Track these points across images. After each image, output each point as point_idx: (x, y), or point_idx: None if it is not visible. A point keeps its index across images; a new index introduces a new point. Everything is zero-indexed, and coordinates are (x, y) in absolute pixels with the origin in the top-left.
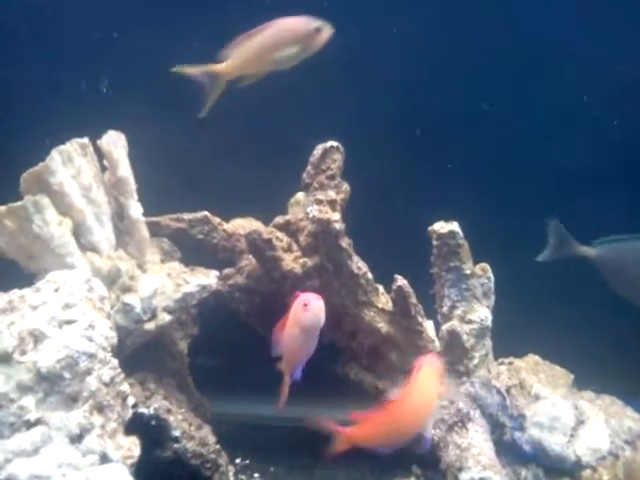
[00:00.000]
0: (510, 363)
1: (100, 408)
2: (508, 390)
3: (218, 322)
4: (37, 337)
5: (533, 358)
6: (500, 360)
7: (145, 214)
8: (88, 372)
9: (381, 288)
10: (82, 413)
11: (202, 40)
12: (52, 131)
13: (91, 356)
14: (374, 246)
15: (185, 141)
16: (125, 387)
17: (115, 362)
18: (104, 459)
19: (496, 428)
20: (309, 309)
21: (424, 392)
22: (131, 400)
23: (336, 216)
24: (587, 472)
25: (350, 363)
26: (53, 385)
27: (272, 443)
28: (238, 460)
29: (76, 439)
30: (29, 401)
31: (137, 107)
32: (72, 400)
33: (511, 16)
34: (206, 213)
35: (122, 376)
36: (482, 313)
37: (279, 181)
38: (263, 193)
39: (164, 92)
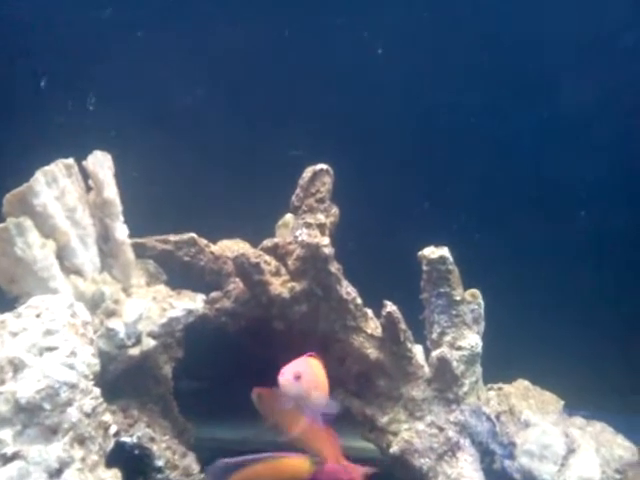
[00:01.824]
0: (499, 388)
1: (81, 440)
2: (498, 416)
3: (203, 344)
4: (17, 366)
5: (523, 383)
6: (489, 385)
7: (131, 235)
8: (69, 403)
9: (370, 312)
10: (62, 446)
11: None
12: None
13: (72, 386)
14: (363, 270)
15: (170, 161)
16: (107, 417)
17: (97, 391)
18: None
19: (486, 456)
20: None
21: None
22: (113, 428)
23: (325, 240)
24: None
25: (338, 389)
26: (32, 417)
27: None
28: None
29: (55, 474)
30: (6, 434)
31: (121, 125)
32: (52, 432)
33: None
34: (193, 235)
35: (104, 406)
36: (472, 340)
37: (266, 200)
38: (249, 213)
39: (149, 110)
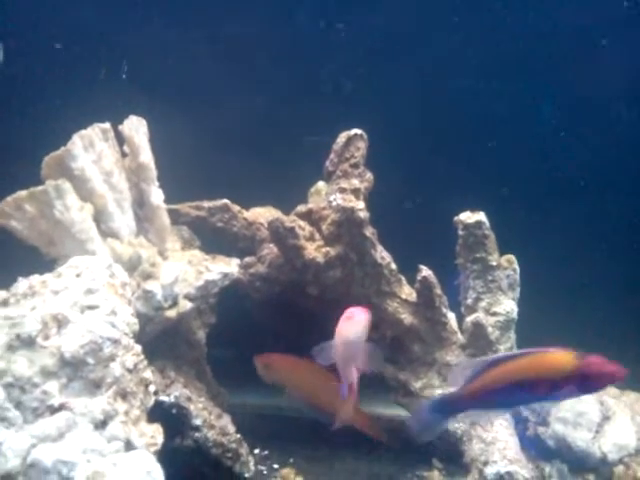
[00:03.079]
0: None
1: (124, 395)
2: None
3: (237, 311)
4: (60, 322)
5: None
6: None
7: (165, 201)
8: (112, 358)
9: (404, 279)
10: (106, 399)
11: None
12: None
13: (115, 342)
14: (397, 236)
15: (203, 131)
16: (148, 374)
17: (138, 348)
18: (128, 446)
19: (519, 423)
20: (351, 322)
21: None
22: (152, 388)
23: (360, 204)
24: (620, 468)
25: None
26: (77, 370)
27: (290, 434)
28: (257, 451)
29: (100, 425)
30: (52, 386)
31: (156, 98)
32: (96, 386)
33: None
34: (226, 201)
35: (145, 363)
36: (507, 305)
37: (295, 171)
38: (279, 183)
39: (185, 83)
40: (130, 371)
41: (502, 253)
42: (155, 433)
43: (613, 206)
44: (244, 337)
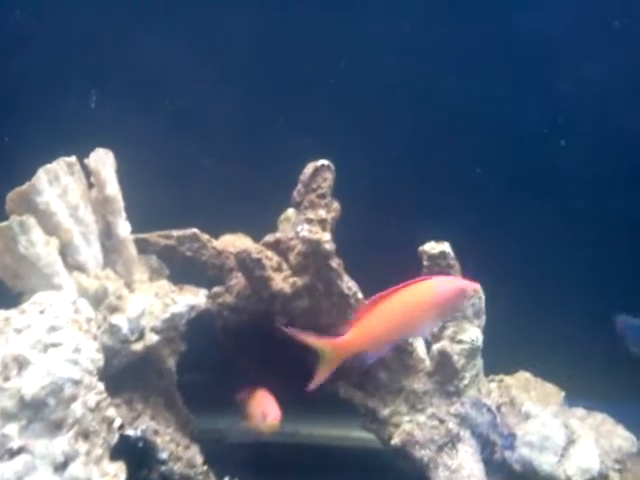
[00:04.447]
0: (501, 380)
1: (85, 434)
2: (499, 408)
3: (209, 336)
4: (21, 363)
5: (524, 375)
6: (491, 377)
7: (134, 231)
8: (73, 398)
9: None
10: (67, 440)
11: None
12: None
13: (76, 382)
14: (366, 264)
15: (172, 156)
16: (111, 412)
17: (101, 386)
18: None
19: (486, 446)
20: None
21: (415, 296)
22: (118, 422)
23: (326, 236)
24: None
25: (340, 381)
26: (37, 412)
27: (262, 460)
28: (226, 479)
29: (60, 467)
30: (12, 429)
31: (122, 122)
32: (56, 427)
33: None
34: (195, 230)
35: (108, 400)
36: (473, 333)
37: (269, 193)
38: (252, 205)
39: (151, 105)
40: (92, 410)
41: (477, 274)
42: (118, 471)
43: (584, 216)
44: (216, 362)
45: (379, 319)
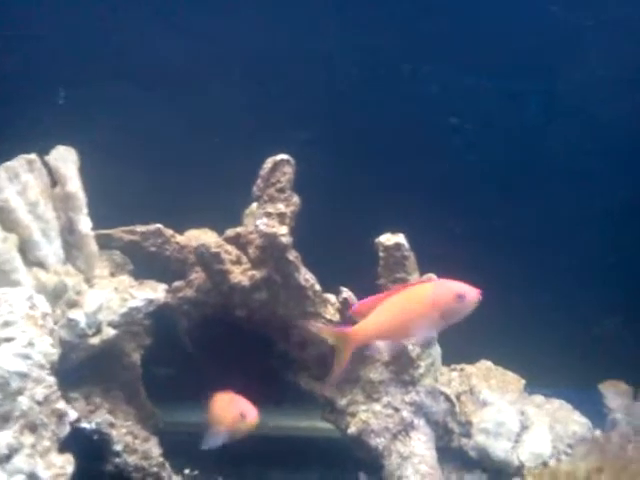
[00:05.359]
0: (462, 369)
1: (32, 427)
2: (458, 396)
3: (172, 331)
4: None
5: (485, 364)
6: (453, 366)
7: (99, 227)
8: (19, 392)
9: (333, 298)
10: (12, 433)
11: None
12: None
13: (23, 375)
14: (327, 257)
15: (139, 151)
16: (61, 405)
17: (51, 380)
18: (32, 478)
19: (445, 434)
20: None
21: (415, 297)
22: (73, 415)
23: (283, 230)
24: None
25: (301, 372)
26: None
27: (224, 453)
28: (187, 471)
29: (4, 459)
30: None
31: (87, 117)
32: (3, 420)
33: None
34: (159, 225)
35: (58, 394)
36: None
37: (236, 188)
38: (220, 202)
39: (115, 101)
40: (40, 403)
41: (422, 272)
42: (65, 463)
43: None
44: (183, 355)
45: (386, 313)
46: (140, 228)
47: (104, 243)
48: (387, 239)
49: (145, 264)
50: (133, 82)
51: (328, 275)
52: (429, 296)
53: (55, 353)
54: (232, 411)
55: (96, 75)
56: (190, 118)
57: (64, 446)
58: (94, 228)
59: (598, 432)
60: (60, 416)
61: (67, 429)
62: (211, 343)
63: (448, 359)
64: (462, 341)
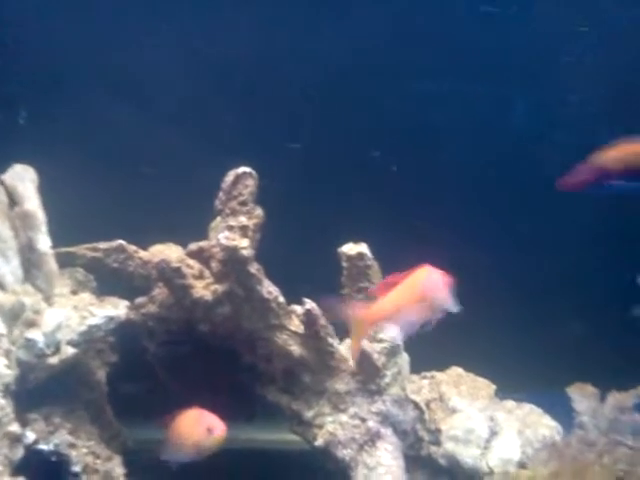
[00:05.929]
0: (432, 377)
1: None
2: (428, 404)
3: (138, 348)
4: None
5: (456, 371)
6: (423, 374)
7: (62, 244)
8: None
9: (299, 309)
10: None
11: None
12: None
13: None
14: (292, 269)
15: (105, 169)
16: (14, 427)
17: (2, 402)
18: None
19: (415, 443)
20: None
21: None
22: (31, 437)
23: (244, 243)
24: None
25: (268, 385)
26: None
27: (192, 470)
28: None
29: None
30: None
31: (48, 136)
32: None
33: None
34: (121, 242)
35: (11, 416)
36: (393, 332)
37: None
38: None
39: (75, 121)
40: None
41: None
42: None
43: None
44: (150, 372)
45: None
46: (103, 245)
47: (67, 261)
48: (350, 249)
49: (109, 281)
50: (95, 95)
51: (294, 287)
52: (422, 283)
53: (10, 375)
54: (199, 427)
55: (57, 90)
56: (154, 131)
57: (19, 469)
58: (57, 246)
59: (558, 438)
60: (13, 439)
61: (21, 452)
62: (177, 359)
63: (420, 367)
64: (433, 349)
